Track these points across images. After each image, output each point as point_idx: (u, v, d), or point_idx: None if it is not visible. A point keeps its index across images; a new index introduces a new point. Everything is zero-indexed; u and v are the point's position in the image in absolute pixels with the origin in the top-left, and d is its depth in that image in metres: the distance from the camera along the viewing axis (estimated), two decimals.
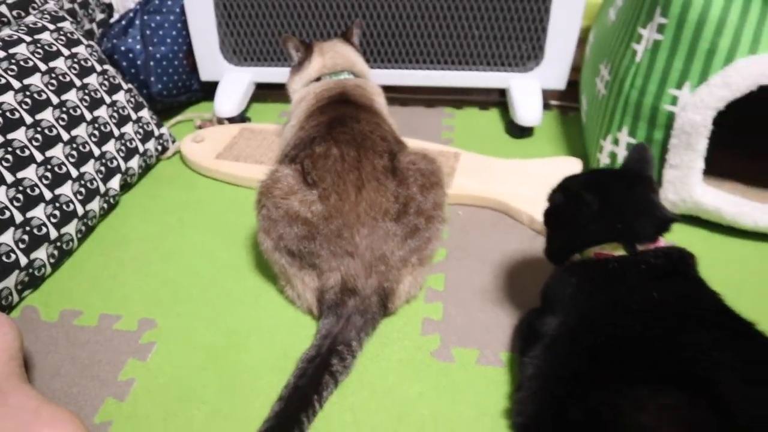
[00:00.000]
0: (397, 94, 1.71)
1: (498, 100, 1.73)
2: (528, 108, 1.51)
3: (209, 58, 1.59)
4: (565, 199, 0.86)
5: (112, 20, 1.66)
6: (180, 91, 1.63)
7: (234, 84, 1.60)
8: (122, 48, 1.53)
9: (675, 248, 0.85)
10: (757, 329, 0.73)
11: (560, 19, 1.48)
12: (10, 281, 1.04)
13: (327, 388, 0.87)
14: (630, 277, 0.80)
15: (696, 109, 1.09)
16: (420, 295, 1.07)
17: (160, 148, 1.44)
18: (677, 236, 1.22)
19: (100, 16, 1.63)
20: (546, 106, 1.69)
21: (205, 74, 1.62)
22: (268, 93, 1.74)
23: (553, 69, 1.54)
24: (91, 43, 1.35)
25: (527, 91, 1.54)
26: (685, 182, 1.17)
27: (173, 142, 1.47)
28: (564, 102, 1.70)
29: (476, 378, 0.92)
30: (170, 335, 1.00)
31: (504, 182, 1.31)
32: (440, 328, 1.01)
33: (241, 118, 1.60)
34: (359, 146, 1.04)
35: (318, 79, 1.29)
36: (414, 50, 1.57)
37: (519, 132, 1.54)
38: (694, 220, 1.24)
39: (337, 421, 0.86)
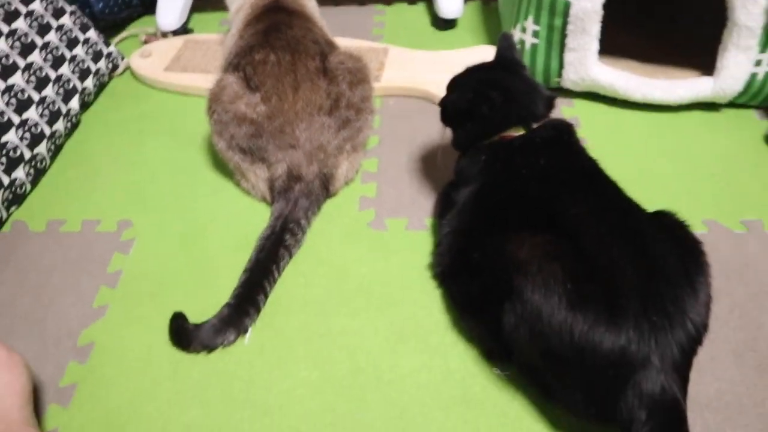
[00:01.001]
0: None
1: None
2: (450, 1, 1.64)
3: None
4: (471, 98, 0.99)
5: None
6: (120, 7, 1.71)
7: None
8: None
9: (559, 121, 1.03)
10: (614, 186, 0.92)
11: None
12: None
13: (283, 258, 1.06)
14: (526, 150, 0.98)
15: None
16: (357, 177, 1.25)
17: (110, 66, 1.54)
18: (581, 110, 1.41)
19: None
20: None
21: None
22: (207, 2, 1.82)
23: None
24: None
25: None
26: (583, 63, 1.34)
27: (122, 59, 1.57)
28: None
29: (405, 241, 1.12)
30: (146, 231, 1.17)
31: (428, 72, 1.46)
32: (375, 203, 1.20)
33: (184, 29, 1.69)
34: (293, 51, 1.17)
35: None
36: None
37: (443, 24, 1.68)
38: (594, 96, 1.42)
39: (293, 284, 1.05)
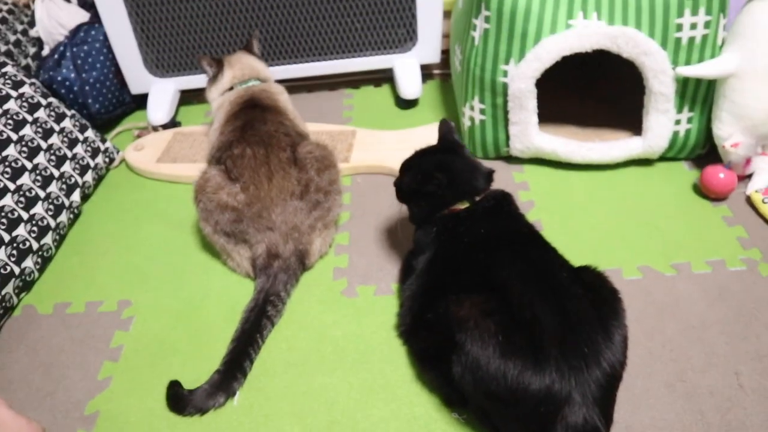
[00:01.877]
0: (303, 83, 2.00)
1: (389, 76, 2.04)
2: (410, 83, 1.83)
3: (135, 74, 1.85)
4: (420, 180, 1.15)
5: (43, 53, 1.90)
6: (115, 106, 1.89)
7: (161, 94, 1.86)
8: (59, 78, 1.78)
9: (499, 191, 1.18)
10: (545, 246, 1.08)
11: (425, 5, 1.78)
12: (9, 288, 1.33)
13: (266, 328, 1.20)
14: (470, 220, 1.13)
15: (520, 79, 1.43)
16: (330, 250, 1.40)
17: (107, 160, 1.71)
18: (530, 174, 1.58)
19: (32, 50, 1.87)
20: (430, 76, 2.01)
21: (135, 88, 1.88)
22: (193, 96, 2.01)
23: (427, 46, 1.86)
24: (33, 80, 1.61)
25: (408, 69, 1.85)
26: (526, 134, 1.51)
27: (117, 152, 1.75)
28: (444, 70, 2.02)
29: (375, 305, 1.26)
30: (144, 308, 1.31)
31: (393, 150, 1.63)
32: (347, 273, 1.35)
33: (173, 123, 1.87)
34: (267, 145, 1.34)
35: (231, 88, 1.57)
36: (313, 45, 1.86)
37: (405, 104, 1.87)
38: (540, 161, 1.59)
39: (276, 349, 1.19)
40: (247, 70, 1.60)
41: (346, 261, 1.38)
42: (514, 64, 1.43)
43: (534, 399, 0.86)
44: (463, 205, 1.14)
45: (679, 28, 1.35)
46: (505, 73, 1.45)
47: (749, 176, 1.47)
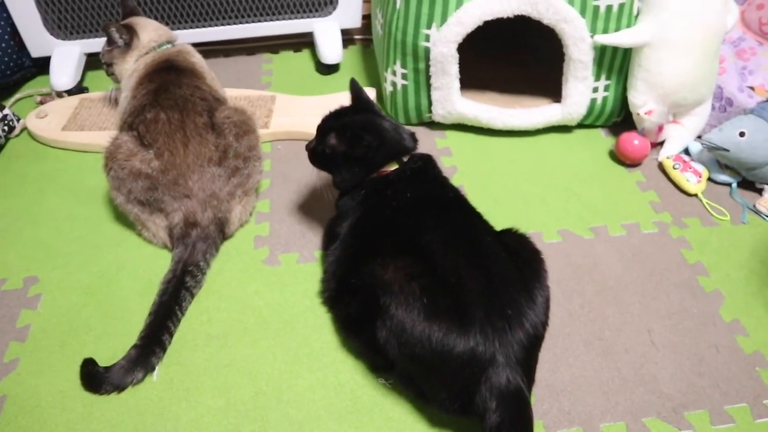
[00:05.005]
0: (220, 46, 1.92)
1: (309, 41, 1.98)
2: (330, 48, 1.79)
3: (35, 35, 1.72)
4: (348, 143, 1.11)
5: None
6: (13, 70, 1.76)
7: (65, 57, 1.74)
8: None
9: (422, 154, 1.17)
10: (468, 210, 1.08)
11: None
12: None
13: (185, 299, 1.16)
14: (398, 183, 1.11)
15: (442, 43, 1.41)
16: (251, 219, 1.36)
17: (6, 128, 1.59)
18: (452, 140, 1.58)
19: None
20: (351, 41, 1.97)
21: (35, 51, 1.75)
22: (101, 60, 1.89)
23: (347, 11, 1.82)
24: None
25: (328, 33, 1.81)
26: (448, 99, 1.51)
27: (18, 120, 1.62)
28: (365, 36, 1.99)
29: (297, 273, 1.24)
30: (53, 285, 1.23)
31: (313, 116, 1.58)
32: (269, 241, 1.31)
33: (79, 89, 1.76)
34: (182, 109, 1.28)
35: (146, 53, 1.48)
36: (229, 8, 1.78)
37: (326, 69, 1.82)
38: (462, 127, 1.59)
39: (197, 321, 1.15)
40: (162, 32, 1.51)
41: (268, 229, 1.34)
42: (436, 29, 1.41)
43: (458, 361, 0.87)
44: (392, 167, 1.13)
45: None
46: (427, 38, 1.43)
47: (661, 144, 1.52)
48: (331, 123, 1.17)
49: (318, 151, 1.17)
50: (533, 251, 1.02)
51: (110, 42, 1.48)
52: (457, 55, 1.44)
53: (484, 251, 0.97)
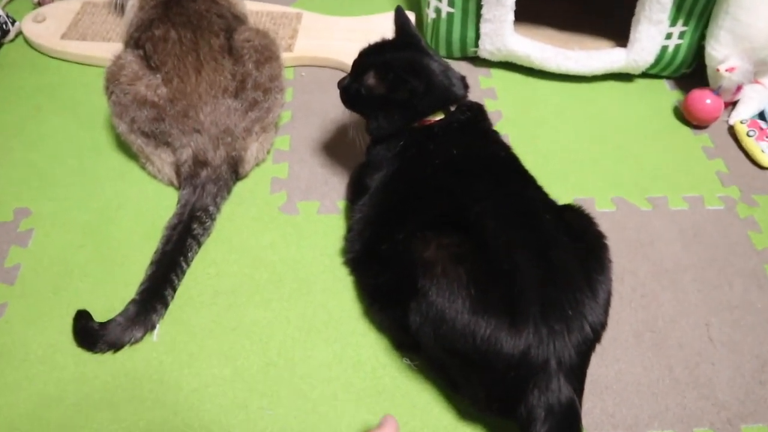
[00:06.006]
0: None
1: None
2: None
3: None
4: (390, 85, 0.95)
5: None
6: None
7: None
8: None
9: (471, 102, 1.01)
10: (524, 176, 0.93)
11: None
12: None
13: (191, 249, 1.03)
14: (443, 136, 0.95)
15: None
16: (268, 157, 1.21)
17: None
18: (498, 80, 1.40)
19: None
20: None
21: None
22: None
23: None
24: None
25: None
26: (499, 34, 1.32)
27: (13, 23, 1.45)
28: None
29: (317, 225, 1.10)
30: (46, 220, 1.11)
31: (343, 40, 1.41)
32: (287, 185, 1.17)
33: None
34: (195, 27, 1.11)
35: None
36: None
37: None
38: (510, 65, 1.41)
39: (203, 275, 1.03)
40: None
41: (286, 170, 1.20)
42: None
43: (505, 363, 0.75)
44: (437, 117, 0.97)
45: None
46: None
47: (734, 104, 1.34)
48: (371, 59, 1.00)
49: (352, 91, 1.01)
50: (597, 235, 0.88)
51: None
52: None
53: (543, 232, 0.83)
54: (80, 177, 1.18)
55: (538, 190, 0.93)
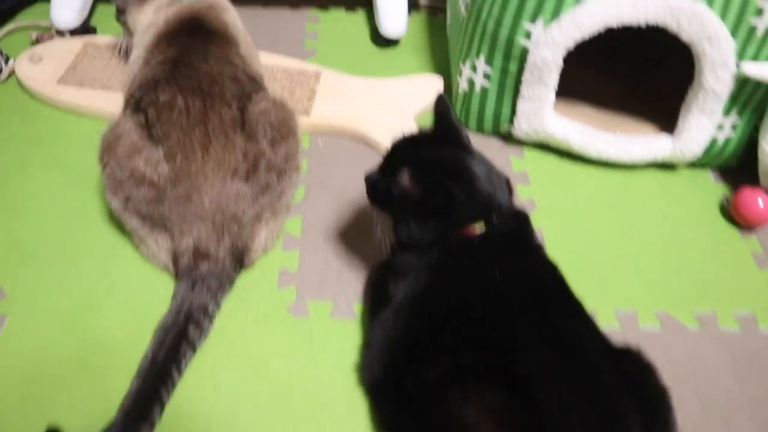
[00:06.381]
0: None
1: None
2: (393, 17, 1.46)
3: None
4: (426, 189, 0.83)
5: None
6: None
7: None
8: None
9: (517, 212, 0.89)
10: (578, 309, 0.81)
11: None
12: None
13: (185, 356, 0.90)
14: (483, 252, 0.84)
15: (548, 46, 1.10)
16: (277, 242, 1.08)
17: None
18: (532, 162, 1.28)
19: None
20: (414, 5, 1.64)
21: None
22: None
23: None
24: None
25: None
26: (537, 114, 1.21)
27: (6, 61, 1.32)
28: (434, 2, 1.65)
29: (330, 332, 0.97)
30: (21, 305, 0.97)
31: (364, 105, 1.29)
32: (296, 278, 1.04)
33: (85, 27, 1.44)
34: (206, 95, 0.99)
35: (170, 3, 1.18)
36: None
37: (384, 42, 1.50)
38: (545, 146, 1.29)
39: (197, 387, 0.90)
40: None
41: (297, 260, 1.07)
42: (542, 25, 1.10)
43: None
44: (477, 226, 0.85)
45: (759, 12, 1.05)
46: (528, 35, 1.12)
47: None
48: (406, 155, 0.88)
49: (381, 188, 0.89)
50: (658, 390, 0.76)
51: None
52: (561, 64, 1.13)
53: (603, 392, 0.71)
54: (64, 251, 1.05)
55: (590, 324, 0.81)
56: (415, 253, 0.88)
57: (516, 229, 0.87)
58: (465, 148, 0.89)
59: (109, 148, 0.97)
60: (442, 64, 1.46)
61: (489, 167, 0.88)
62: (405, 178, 0.85)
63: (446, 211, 0.83)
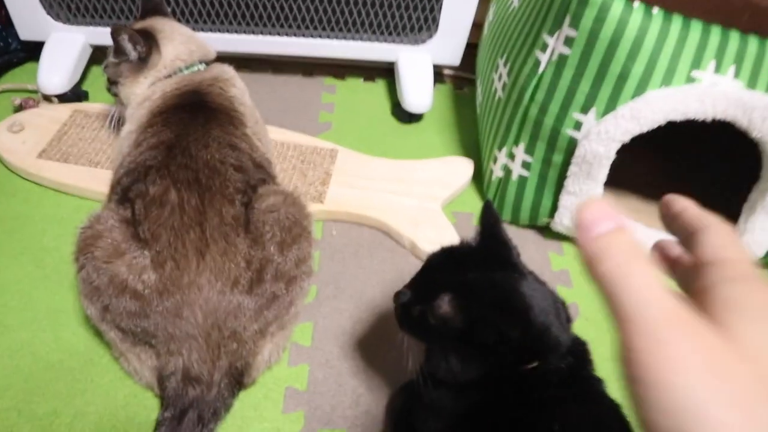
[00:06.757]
0: (269, 56, 1.47)
1: (385, 68, 1.52)
2: (418, 91, 1.33)
3: (28, 12, 1.27)
4: (470, 322, 0.68)
5: None
6: None
7: (63, 48, 1.29)
8: None
9: (575, 340, 0.73)
10: None
11: None
12: None
13: None
14: (535, 392, 0.68)
15: (600, 139, 0.96)
16: (284, 355, 0.92)
17: None
18: (572, 262, 1.13)
19: None
20: (439, 77, 1.51)
21: (25, 33, 1.30)
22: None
23: (448, 41, 1.35)
24: None
25: (417, 70, 1.35)
26: None
27: None
28: (459, 72, 1.53)
29: None
30: None
31: (385, 191, 1.14)
32: (305, 401, 0.87)
33: (75, 93, 1.31)
34: (204, 189, 0.84)
35: (169, 75, 1.05)
36: (290, 14, 1.32)
37: (407, 117, 1.36)
38: None
39: None
40: (194, 47, 1.08)
41: (305, 378, 0.91)
42: (594, 116, 0.96)
43: None
44: (530, 365, 0.69)
45: None
46: (578, 125, 0.98)
47: None
48: (446, 275, 0.72)
49: (415, 312, 0.73)
50: None
51: (119, 53, 1.04)
52: (613, 158, 0.99)
53: None
54: (30, 360, 0.88)
55: None
56: (452, 393, 0.71)
57: (574, 365, 0.71)
58: (516, 269, 0.73)
59: (86, 248, 0.81)
60: (470, 143, 1.32)
61: (545, 293, 0.72)
62: (445, 305, 0.69)
63: (493, 348, 0.67)
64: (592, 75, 0.93)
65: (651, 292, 0.31)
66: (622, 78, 0.91)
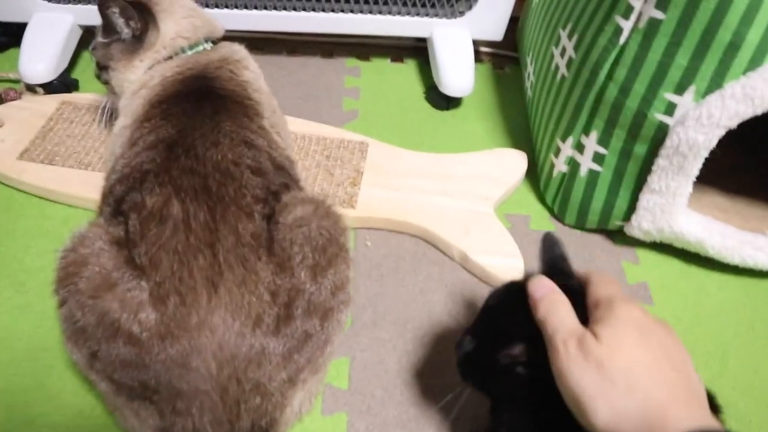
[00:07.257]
0: (284, 36, 1.29)
1: (415, 46, 1.33)
2: (457, 72, 1.15)
3: None
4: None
5: None
6: None
7: (48, 30, 1.11)
8: None
9: None
10: None
11: None
12: None
13: None
14: None
15: (700, 125, 0.78)
16: (317, 402, 0.75)
17: None
18: (650, 270, 0.95)
19: None
20: (476, 55, 1.33)
21: (4, 13, 1.13)
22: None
23: (490, 14, 1.17)
24: None
25: (455, 47, 1.16)
26: (668, 210, 0.88)
27: None
28: (500, 50, 1.34)
29: None
30: None
31: (427, 192, 0.97)
32: None
33: (63, 82, 1.13)
34: (215, 199, 0.67)
35: (170, 57, 0.87)
36: None
37: (444, 102, 1.18)
38: (665, 247, 0.96)
39: None
40: (199, 21, 0.90)
41: (344, 429, 0.73)
42: (693, 97, 0.77)
43: None
44: None
45: None
46: (670, 108, 0.79)
47: None
48: (516, 319, 0.56)
49: (480, 362, 0.56)
50: None
51: (108, 30, 0.87)
52: (712, 147, 0.80)
53: None
54: (3, 415, 0.72)
55: None
56: None
57: None
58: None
59: (67, 278, 0.64)
60: (518, 132, 1.14)
61: None
62: (518, 351, 0.53)
63: None
64: (693, 44, 0.75)
65: (562, 323, 0.51)
66: (733, 47, 0.73)
